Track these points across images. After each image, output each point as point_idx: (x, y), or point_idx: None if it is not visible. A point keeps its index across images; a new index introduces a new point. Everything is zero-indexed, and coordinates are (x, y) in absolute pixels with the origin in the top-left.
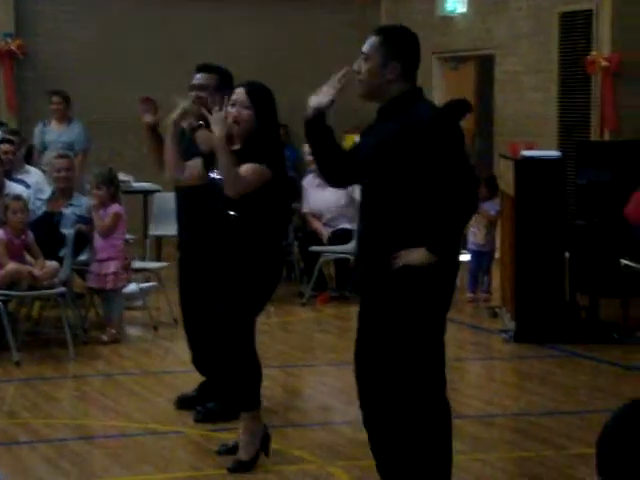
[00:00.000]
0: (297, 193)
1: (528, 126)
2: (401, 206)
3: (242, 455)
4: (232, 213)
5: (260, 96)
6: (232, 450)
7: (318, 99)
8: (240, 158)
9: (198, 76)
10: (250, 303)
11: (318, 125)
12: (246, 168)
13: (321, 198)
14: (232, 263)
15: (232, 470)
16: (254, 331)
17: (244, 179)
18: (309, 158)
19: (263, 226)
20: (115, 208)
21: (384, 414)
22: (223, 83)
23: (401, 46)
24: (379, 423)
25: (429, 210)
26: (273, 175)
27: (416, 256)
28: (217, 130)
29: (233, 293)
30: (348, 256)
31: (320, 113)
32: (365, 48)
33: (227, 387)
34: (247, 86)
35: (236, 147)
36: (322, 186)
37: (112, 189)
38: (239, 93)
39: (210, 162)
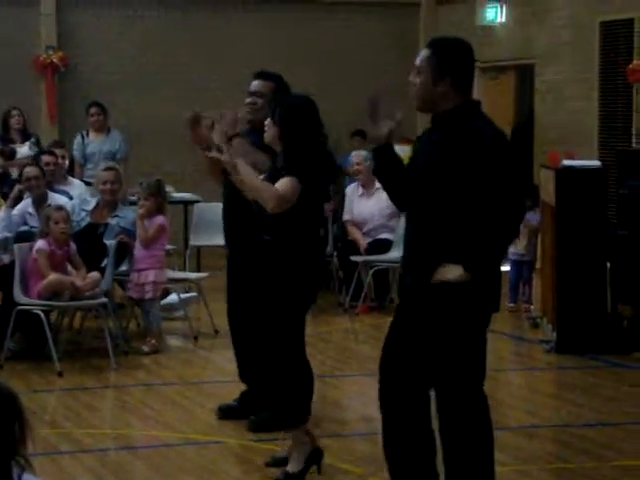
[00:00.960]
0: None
1: (569, 135)
2: (447, 221)
3: (290, 467)
4: (267, 237)
5: (288, 114)
6: (280, 462)
7: (377, 132)
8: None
9: (255, 83)
10: (292, 313)
11: (385, 155)
12: (283, 185)
13: (365, 207)
14: (272, 273)
15: None
16: (303, 343)
17: (284, 196)
18: (355, 167)
19: (300, 237)
20: (160, 220)
21: (412, 419)
22: (280, 90)
23: (452, 59)
24: (402, 427)
25: (473, 228)
26: (303, 186)
27: (452, 273)
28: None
29: (275, 304)
30: (387, 266)
31: (386, 144)
32: (417, 61)
33: (277, 399)
34: (276, 102)
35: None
36: (366, 195)
37: (159, 200)
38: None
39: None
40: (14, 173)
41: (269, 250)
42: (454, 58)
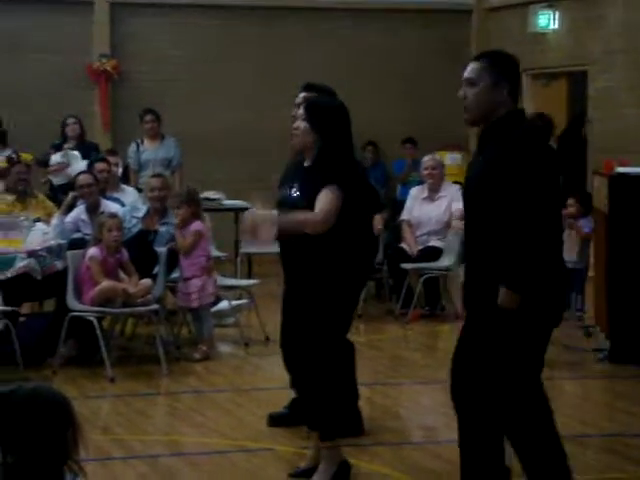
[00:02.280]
0: (380, 205)
1: (622, 142)
2: (500, 236)
3: (317, 478)
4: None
5: (317, 110)
6: (305, 473)
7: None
8: (310, 176)
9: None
10: (330, 325)
11: None
12: (322, 208)
13: (425, 210)
14: (313, 282)
15: None
16: (339, 356)
17: (325, 217)
18: (428, 171)
19: (341, 244)
20: (196, 226)
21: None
22: None
23: (506, 67)
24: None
25: (513, 244)
26: (344, 193)
27: (500, 299)
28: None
29: (314, 315)
30: (437, 274)
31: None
32: (469, 74)
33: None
34: (306, 101)
35: (307, 164)
36: (428, 200)
37: (193, 207)
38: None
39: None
40: (54, 180)
41: (315, 256)
42: (509, 67)
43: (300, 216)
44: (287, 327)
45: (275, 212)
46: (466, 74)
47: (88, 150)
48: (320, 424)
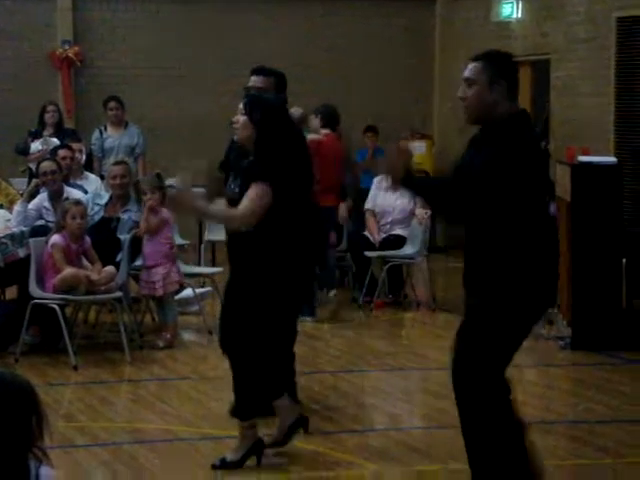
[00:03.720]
0: (344, 194)
1: (584, 131)
2: (494, 231)
3: (230, 456)
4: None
5: (256, 105)
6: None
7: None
8: (247, 172)
9: (254, 78)
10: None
11: (411, 181)
12: (244, 205)
13: (389, 200)
14: (252, 272)
15: (216, 467)
16: (277, 339)
17: (245, 215)
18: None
19: (277, 237)
20: (164, 213)
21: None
22: (279, 86)
23: (504, 66)
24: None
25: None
26: (274, 190)
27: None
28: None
29: (249, 305)
30: (401, 262)
31: (405, 175)
32: (468, 74)
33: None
34: (247, 96)
35: (250, 159)
36: (392, 188)
37: (161, 194)
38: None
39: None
40: (34, 168)
41: (250, 248)
42: (507, 66)
43: (224, 212)
44: (224, 315)
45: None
46: (465, 74)
47: (66, 136)
48: (238, 406)
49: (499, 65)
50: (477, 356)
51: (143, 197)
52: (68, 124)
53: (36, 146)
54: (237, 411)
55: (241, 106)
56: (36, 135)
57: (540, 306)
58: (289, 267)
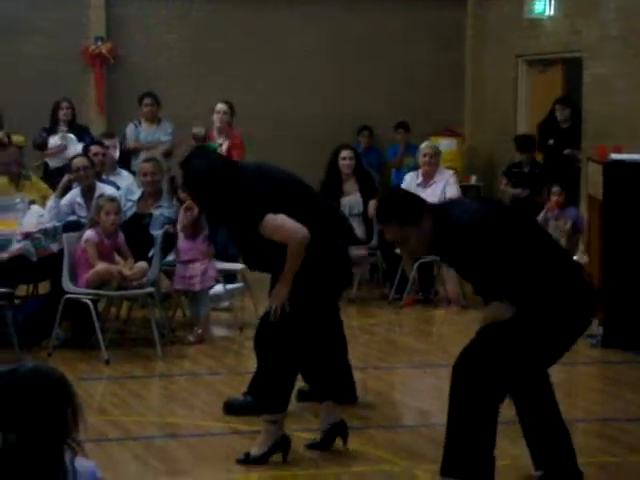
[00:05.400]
0: (373, 190)
1: (617, 129)
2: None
3: (253, 450)
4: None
5: (192, 180)
6: (319, 445)
7: None
8: (243, 232)
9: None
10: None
11: None
12: (283, 236)
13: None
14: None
15: (241, 461)
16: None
17: (295, 237)
18: (424, 158)
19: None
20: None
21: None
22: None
23: (409, 206)
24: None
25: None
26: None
27: (492, 312)
28: None
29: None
30: (431, 259)
31: None
32: (391, 238)
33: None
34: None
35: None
36: (422, 185)
37: None
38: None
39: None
40: (51, 163)
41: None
42: (397, 205)
43: (288, 263)
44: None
45: None
46: (389, 238)
47: (79, 133)
48: (261, 399)
49: (405, 206)
50: (486, 356)
51: (180, 194)
52: (100, 120)
53: (55, 141)
54: (259, 404)
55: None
56: (50, 132)
57: (580, 322)
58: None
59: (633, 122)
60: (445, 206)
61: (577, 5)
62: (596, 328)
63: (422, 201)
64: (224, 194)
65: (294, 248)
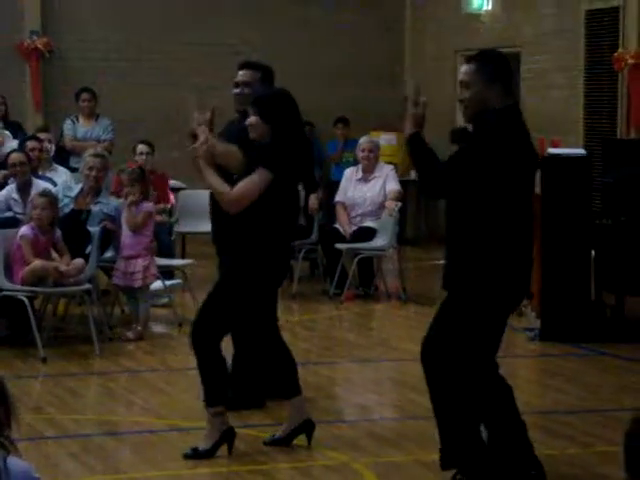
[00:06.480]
0: (314, 185)
1: (554, 124)
2: (479, 218)
3: (201, 444)
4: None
5: (266, 103)
6: (281, 441)
7: (407, 127)
8: (258, 156)
9: (241, 73)
10: (257, 298)
11: (417, 143)
12: (239, 186)
13: (359, 192)
14: (235, 257)
15: (188, 456)
16: (275, 326)
17: (234, 200)
18: (363, 153)
19: (264, 225)
20: (147, 206)
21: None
22: (266, 79)
23: (498, 67)
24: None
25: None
26: (275, 176)
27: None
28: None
29: (239, 290)
30: (371, 254)
31: (416, 134)
32: (463, 77)
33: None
34: (254, 97)
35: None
36: (362, 180)
37: (144, 187)
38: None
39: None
40: None
41: (237, 235)
42: (501, 66)
43: (221, 185)
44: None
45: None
46: (460, 77)
47: (13, 129)
48: (205, 391)
49: (494, 66)
50: (447, 339)
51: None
52: (37, 116)
53: None
54: (205, 397)
55: (251, 108)
56: None
57: (514, 296)
58: (269, 254)
59: (570, 117)
60: (506, 121)
61: (514, 0)
62: (534, 321)
63: (508, 92)
64: (292, 123)
65: (224, 196)
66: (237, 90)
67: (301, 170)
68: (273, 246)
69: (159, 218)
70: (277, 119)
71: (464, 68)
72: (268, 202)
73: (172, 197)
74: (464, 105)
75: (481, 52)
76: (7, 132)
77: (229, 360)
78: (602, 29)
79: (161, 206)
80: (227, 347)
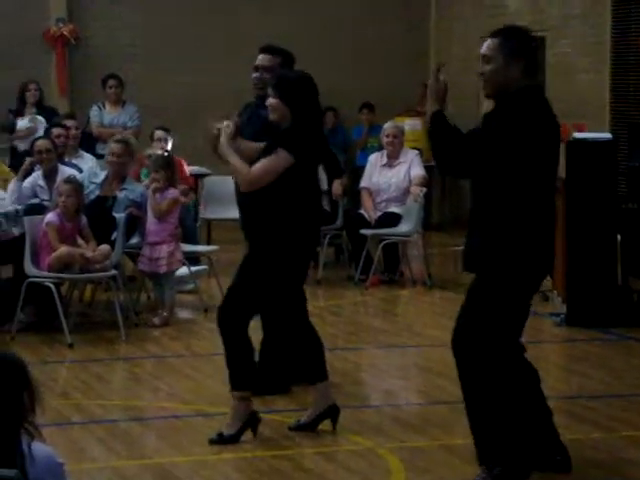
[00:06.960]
0: (339, 171)
1: (580, 108)
2: (503, 196)
3: (226, 429)
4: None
5: (287, 85)
6: (306, 426)
7: (430, 105)
8: (280, 138)
9: (261, 57)
10: (286, 284)
11: (439, 120)
12: (257, 166)
13: (384, 177)
14: (261, 242)
15: (214, 442)
16: (304, 312)
17: (254, 177)
18: (388, 139)
19: (288, 209)
20: (173, 193)
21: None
22: (286, 64)
23: (521, 43)
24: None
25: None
26: (296, 160)
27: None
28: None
29: (269, 277)
30: (396, 239)
31: (438, 111)
32: (485, 50)
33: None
34: (275, 79)
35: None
36: (387, 166)
37: (169, 173)
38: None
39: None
40: (20, 146)
41: (262, 219)
42: (524, 42)
43: (240, 163)
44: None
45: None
46: (482, 51)
47: (48, 115)
48: (231, 375)
49: (517, 42)
50: (478, 326)
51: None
52: (62, 102)
53: (24, 123)
54: (230, 381)
55: (270, 90)
56: (17, 113)
57: (540, 271)
58: (294, 237)
59: (596, 101)
60: (532, 97)
61: None
62: (560, 306)
63: (530, 71)
64: (312, 105)
65: (242, 175)
66: (256, 74)
67: (321, 153)
68: (298, 229)
69: (185, 199)
70: (298, 102)
71: (487, 42)
72: (291, 185)
73: (191, 180)
74: (484, 79)
75: (505, 27)
76: (40, 117)
77: (257, 346)
78: (629, 13)
79: (183, 187)
80: (256, 333)
